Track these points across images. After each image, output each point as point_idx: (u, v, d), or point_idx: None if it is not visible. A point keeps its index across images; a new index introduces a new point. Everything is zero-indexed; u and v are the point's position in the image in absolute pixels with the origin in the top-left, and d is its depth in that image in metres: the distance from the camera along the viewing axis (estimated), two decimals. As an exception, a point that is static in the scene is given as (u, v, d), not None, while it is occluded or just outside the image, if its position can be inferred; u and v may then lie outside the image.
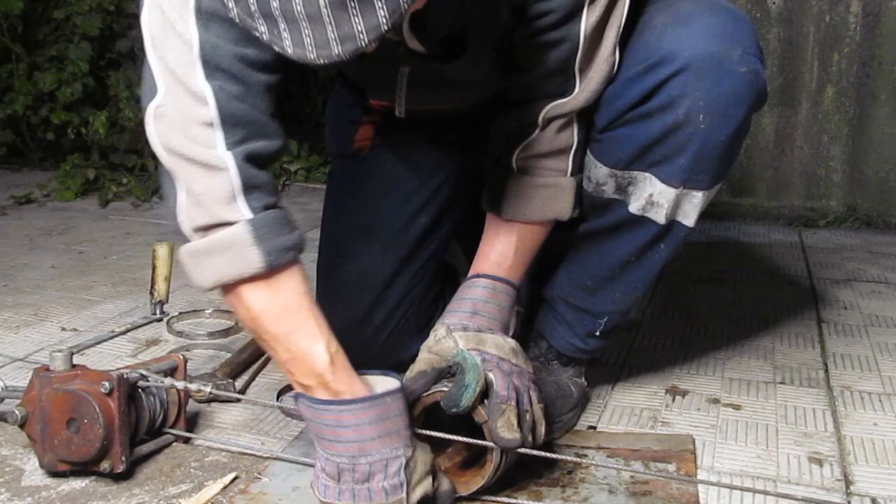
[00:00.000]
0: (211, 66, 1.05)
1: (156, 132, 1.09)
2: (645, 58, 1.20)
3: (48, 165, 3.55)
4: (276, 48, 0.89)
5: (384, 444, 1.06)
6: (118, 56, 3.40)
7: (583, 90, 1.23)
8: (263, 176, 1.10)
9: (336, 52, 0.87)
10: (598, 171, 1.29)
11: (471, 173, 1.51)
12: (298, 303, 1.10)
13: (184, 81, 1.06)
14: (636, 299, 1.39)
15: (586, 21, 1.17)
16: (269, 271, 1.08)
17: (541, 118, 1.25)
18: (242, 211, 1.07)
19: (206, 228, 1.09)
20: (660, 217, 1.27)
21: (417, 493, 1.08)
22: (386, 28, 0.86)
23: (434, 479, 1.11)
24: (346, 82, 1.57)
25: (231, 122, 1.07)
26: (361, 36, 0.86)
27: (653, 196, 1.25)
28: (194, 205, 1.08)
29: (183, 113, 1.06)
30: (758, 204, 2.98)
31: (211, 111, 1.05)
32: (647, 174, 1.25)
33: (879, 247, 2.63)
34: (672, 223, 1.28)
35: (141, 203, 3.07)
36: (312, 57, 0.87)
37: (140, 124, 3.61)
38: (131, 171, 3.26)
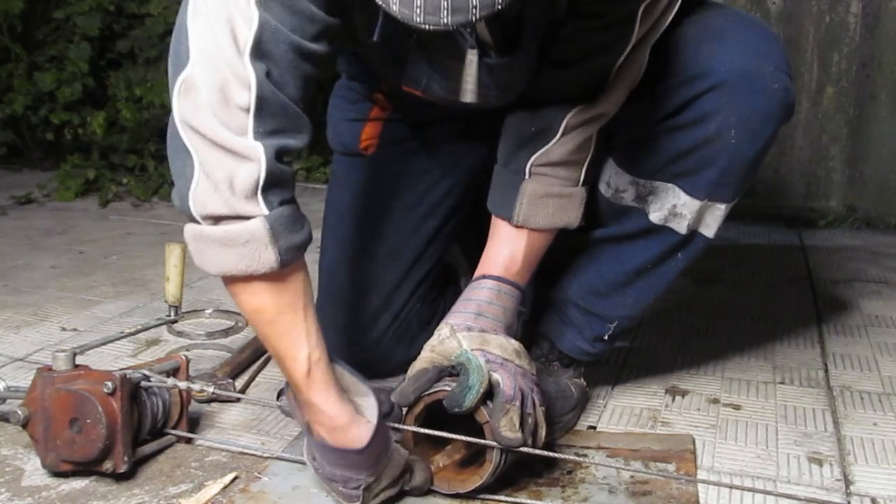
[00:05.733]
0: (262, 50, 1.00)
1: (180, 107, 1.01)
2: (679, 71, 1.20)
3: (48, 165, 3.55)
4: (381, 3, 0.86)
5: (346, 471, 1.12)
6: (118, 56, 3.40)
7: (608, 95, 1.20)
8: (288, 171, 1.07)
9: (445, 20, 0.84)
10: (620, 179, 1.28)
11: (475, 174, 1.49)
12: (296, 305, 1.09)
13: (228, 58, 0.99)
14: (648, 305, 1.39)
15: (639, 28, 1.15)
16: (279, 270, 1.06)
17: (563, 124, 1.21)
18: (262, 207, 1.03)
19: (220, 218, 1.04)
20: (682, 227, 1.27)
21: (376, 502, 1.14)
22: (500, 6, 0.84)
23: (404, 474, 1.15)
24: (356, 69, 1.49)
25: (268, 111, 1.02)
26: (474, 10, 0.83)
27: (676, 207, 1.26)
28: (212, 190, 1.02)
29: (219, 91, 0.99)
30: (758, 204, 2.98)
31: (251, 95, 1.00)
32: (670, 185, 1.25)
33: (879, 247, 2.63)
34: (693, 234, 1.29)
35: (141, 203, 3.07)
36: (419, 20, 0.84)
37: (139, 124, 3.61)
38: (131, 171, 3.25)
